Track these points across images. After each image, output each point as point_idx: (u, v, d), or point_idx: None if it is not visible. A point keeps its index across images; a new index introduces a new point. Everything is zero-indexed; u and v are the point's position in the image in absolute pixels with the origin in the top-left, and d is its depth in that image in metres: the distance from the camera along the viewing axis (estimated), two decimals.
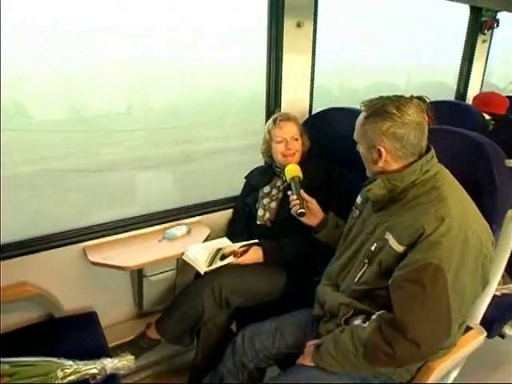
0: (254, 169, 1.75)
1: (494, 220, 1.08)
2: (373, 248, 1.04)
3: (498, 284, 1.24)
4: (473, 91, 2.89)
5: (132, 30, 1.59)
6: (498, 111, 2.45)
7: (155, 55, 1.73)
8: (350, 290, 1.09)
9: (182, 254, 1.46)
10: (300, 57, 1.78)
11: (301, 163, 1.50)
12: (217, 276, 1.37)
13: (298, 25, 1.69)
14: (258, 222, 1.56)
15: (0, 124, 1.29)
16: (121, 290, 1.64)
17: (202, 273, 1.38)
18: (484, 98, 2.54)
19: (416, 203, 0.99)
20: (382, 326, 0.94)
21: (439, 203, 0.94)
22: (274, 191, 1.57)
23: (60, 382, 1.07)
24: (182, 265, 1.54)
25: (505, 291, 1.51)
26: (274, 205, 1.54)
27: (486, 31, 2.73)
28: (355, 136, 1.09)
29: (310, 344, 1.08)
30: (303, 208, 1.33)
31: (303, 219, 1.35)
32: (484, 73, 2.99)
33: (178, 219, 1.67)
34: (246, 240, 1.47)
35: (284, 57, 1.72)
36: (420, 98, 1.03)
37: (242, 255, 1.43)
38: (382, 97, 1.03)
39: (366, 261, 1.05)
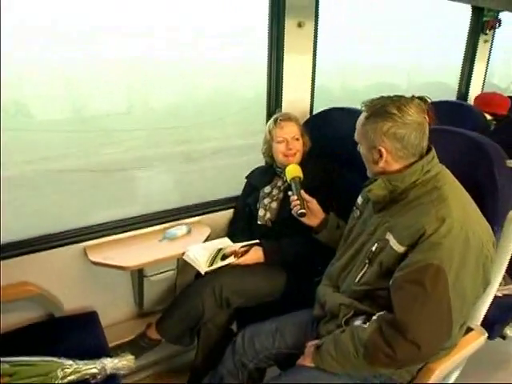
0: (255, 169, 1.75)
1: (495, 221, 1.07)
2: (373, 248, 1.03)
3: (500, 285, 1.24)
4: (474, 91, 2.89)
5: (132, 29, 1.59)
6: (499, 111, 2.44)
7: (155, 55, 1.73)
8: (351, 290, 1.08)
9: (183, 253, 1.46)
10: (301, 57, 1.78)
11: (301, 163, 1.50)
12: (217, 276, 1.37)
13: (299, 25, 1.69)
14: (258, 222, 1.56)
15: (0, 124, 1.29)
16: (121, 290, 1.64)
17: (203, 273, 1.38)
18: (485, 99, 2.54)
19: (417, 204, 0.99)
20: (383, 326, 0.94)
21: (440, 204, 0.94)
22: (275, 191, 1.56)
23: (60, 381, 1.07)
24: (183, 265, 1.54)
25: (506, 292, 1.51)
26: (274, 205, 1.54)
27: (487, 31, 2.72)
28: (356, 136, 1.09)
29: (311, 345, 1.08)
30: (304, 208, 1.33)
31: (304, 219, 1.35)
32: (486, 73, 2.98)
33: (178, 219, 1.67)
34: (247, 240, 1.47)
35: (285, 57, 1.72)
36: (421, 98, 1.02)
37: (242, 255, 1.43)
38: (382, 97, 1.03)
39: (367, 261, 1.05)
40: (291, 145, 1.52)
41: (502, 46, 2.95)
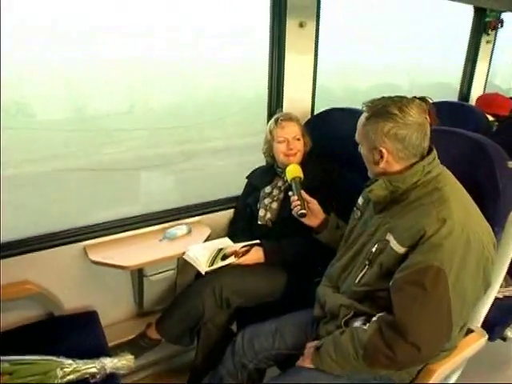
0: (256, 169, 1.75)
1: (496, 222, 1.07)
2: (374, 249, 1.03)
3: (500, 286, 1.23)
4: (476, 92, 2.88)
5: (132, 29, 1.59)
6: (501, 112, 2.44)
7: (155, 55, 1.73)
8: (351, 291, 1.08)
9: (183, 253, 1.46)
10: (302, 57, 1.77)
11: (301, 163, 1.50)
12: (217, 276, 1.37)
13: (301, 25, 1.69)
14: (259, 222, 1.55)
15: (0, 124, 1.29)
16: (121, 290, 1.64)
17: (203, 273, 1.38)
18: (487, 99, 2.54)
19: (418, 204, 0.98)
20: (383, 328, 0.94)
21: (441, 205, 0.94)
22: (275, 191, 1.56)
23: (59, 381, 1.07)
24: (183, 264, 1.54)
25: (507, 294, 1.50)
26: (275, 205, 1.54)
27: (489, 32, 2.72)
28: (357, 137, 1.08)
29: (310, 346, 1.08)
30: (304, 209, 1.33)
31: (304, 220, 1.35)
32: (488, 74, 2.97)
33: (178, 219, 1.67)
34: (248, 240, 1.47)
35: (286, 57, 1.71)
36: (422, 99, 1.02)
37: (243, 255, 1.43)
38: (383, 97, 1.02)
39: (367, 262, 1.05)
40: (292, 145, 1.52)
41: (504, 46, 2.94)
